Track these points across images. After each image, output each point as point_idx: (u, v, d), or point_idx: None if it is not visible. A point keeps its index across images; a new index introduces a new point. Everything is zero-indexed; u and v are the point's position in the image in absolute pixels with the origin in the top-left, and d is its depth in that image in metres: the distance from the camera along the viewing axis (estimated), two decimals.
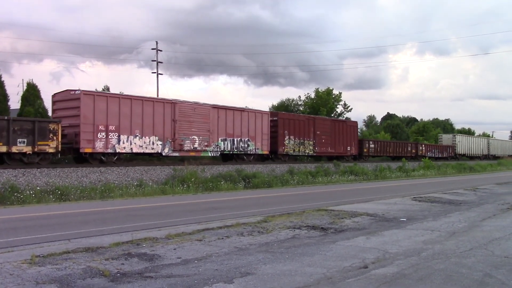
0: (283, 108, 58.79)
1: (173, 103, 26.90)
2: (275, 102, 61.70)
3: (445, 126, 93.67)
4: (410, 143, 56.07)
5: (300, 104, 59.22)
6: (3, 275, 6.98)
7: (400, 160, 47.92)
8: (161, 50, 51.14)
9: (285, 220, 12.82)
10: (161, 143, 26.08)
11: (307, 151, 36.61)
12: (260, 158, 33.63)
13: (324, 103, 56.50)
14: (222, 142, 29.73)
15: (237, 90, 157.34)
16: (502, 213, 15.34)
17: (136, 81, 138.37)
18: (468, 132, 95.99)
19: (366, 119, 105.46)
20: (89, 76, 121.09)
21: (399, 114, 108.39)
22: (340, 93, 60.86)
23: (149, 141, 25.52)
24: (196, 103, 28.57)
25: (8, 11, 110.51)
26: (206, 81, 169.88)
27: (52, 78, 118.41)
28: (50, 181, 20.44)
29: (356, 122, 46.02)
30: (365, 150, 44.71)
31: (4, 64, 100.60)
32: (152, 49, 51.02)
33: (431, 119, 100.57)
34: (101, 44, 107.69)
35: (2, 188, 18.36)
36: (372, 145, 46.65)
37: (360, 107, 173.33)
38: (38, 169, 20.79)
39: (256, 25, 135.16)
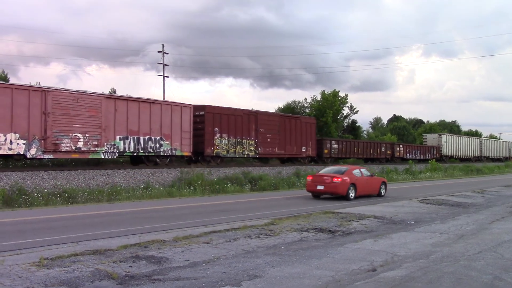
0: (289, 110, 58.60)
1: (44, 91, 21.28)
2: (281, 105, 61.60)
3: (452, 128, 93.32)
4: (385, 143, 50.32)
5: (307, 106, 59.12)
6: (12, 277, 7.00)
7: (373, 163, 44.44)
8: (167, 53, 51.27)
9: (292, 223, 12.79)
10: (24, 142, 20.45)
11: (246, 152, 31.17)
12: (185, 161, 28.98)
13: (330, 105, 56.41)
14: (122, 141, 24.15)
15: (242, 93, 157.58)
16: (511, 215, 15.25)
17: (142, 83, 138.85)
18: (476, 134, 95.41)
19: (372, 121, 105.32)
20: (96, 79, 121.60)
21: (406, 116, 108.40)
22: (346, 95, 60.81)
23: (4, 139, 19.77)
24: (81, 92, 22.85)
25: (15, 14, 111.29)
26: (212, 84, 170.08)
27: (59, 81, 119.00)
28: (58, 183, 20.51)
29: (314, 119, 40.04)
30: (325, 151, 39.48)
31: (11, 67, 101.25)
32: (159, 51, 51.16)
33: (437, 121, 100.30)
34: (107, 46, 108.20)
35: (10, 191, 18.44)
36: (335, 145, 41.18)
37: (366, 109, 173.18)
38: (46, 172, 20.87)
39: (261, 27, 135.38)
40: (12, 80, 32.18)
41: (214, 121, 29.00)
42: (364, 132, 77.27)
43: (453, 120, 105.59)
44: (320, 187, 20.52)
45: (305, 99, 60.87)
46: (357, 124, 67.13)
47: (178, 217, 14.49)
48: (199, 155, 28.61)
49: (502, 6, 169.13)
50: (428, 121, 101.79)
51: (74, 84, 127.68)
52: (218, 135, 29.24)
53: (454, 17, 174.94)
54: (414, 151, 54.04)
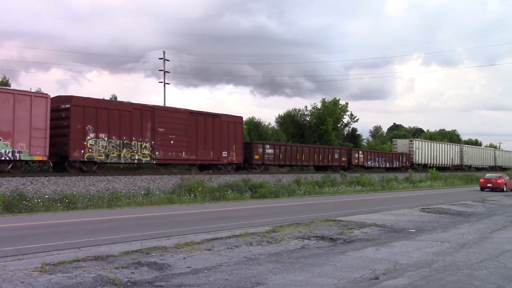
0: (290, 118, 58.60)
1: None
2: (282, 112, 61.67)
3: (452, 137, 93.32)
4: (340, 149, 43.27)
5: (307, 114, 59.17)
6: (14, 283, 6.98)
7: (326, 172, 38.62)
8: (168, 60, 51.37)
9: (294, 230, 12.77)
10: None
11: (137, 157, 24.93)
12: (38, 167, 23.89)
13: (330, 114, 56.48)
14: None
15: (242, 100, 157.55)
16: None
17: (143, 90, 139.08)
18: (475, 143, 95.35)
19: (372, 129, 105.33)
20: (96, 86, 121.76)
21: (405, 124, 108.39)
22: (347, 104, 60.90)
23: None
24: None
25: (16, 20, 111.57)
26: (212, 91, 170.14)
27: (59, 87, 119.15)
28: (58, 189, 20.49)
29: (240, 118, 32.37)
30: (256, 156, 32.58)
31: (12, 72, 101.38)
32: (160, 58, 51.25)
33: (437, 130, 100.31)
34: (108, 53, 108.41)
35: (10, 196, 18.42)
36: (269, 150, 33.84)
37: (366, 117, 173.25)
38: (46, 177, 20.85)
39: (262, 34, 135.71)
40: (13, 86, 32.22)
41: (85, 117, 22.61)
42: (364, 140, 77.21)
43: (453, 129, 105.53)
44: (489, 185, 37.34)
45: (306, 107, 60.91)
46: (357, 133, 67.13)
47: (179, 224, 14.47)
48: (64, 159, 22.60)
49: (502, 16, 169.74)
50: (428, 130, 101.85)
51: (74, 90, 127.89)
52: (92, 135, 22.87)
53: (454, 27, 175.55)
54: (377, 158, 47.16)
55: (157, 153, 25.87)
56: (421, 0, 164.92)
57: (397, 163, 49.98)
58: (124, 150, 24.28)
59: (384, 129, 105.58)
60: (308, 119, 58.63)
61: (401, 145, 54.96)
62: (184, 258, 8.91)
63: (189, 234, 11.97)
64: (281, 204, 22.34)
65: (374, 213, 18.10)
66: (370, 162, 45.59)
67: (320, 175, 36.39)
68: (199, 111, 29.48)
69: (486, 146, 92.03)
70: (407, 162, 51.59)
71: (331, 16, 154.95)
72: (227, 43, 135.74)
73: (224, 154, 29.97)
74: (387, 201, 25.40)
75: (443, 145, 60.96)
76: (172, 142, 26.78)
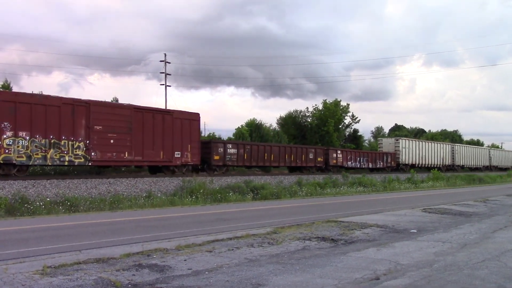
0: (291, 120, 58.58)
1: None
2: (283, 114, 61.72)
3: (454, 137, 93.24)
4: (315, 148, 40.24)
5: (308, 116, 59.21)
6: (16, 285, 7.01)
7: (302, 173, 36.69)
8: (169, 62, 51.46)
9: (295, 232, 12.78)
10: None
11: (67, 158, 22.20)
12: None
13: (332, 115, 56.55)
14: None
15: (243, 102, 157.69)
16: None
17: (144, 93, 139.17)
18: (477, 144, 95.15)
19: (374, 130, 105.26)
20: (98, 89, 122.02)
21: (407, 125, 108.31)
22: (348, 105, 60.97)
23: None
24: None
25: (17, 24, 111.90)
26: (212, 93, 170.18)
27: (61, 90, 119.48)
28: (60, 192, 20.54)
29: (196, 115, 29.26)
30: (216, 157, 29.91)
31: (13, 76, 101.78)
32: (161, 61, 51.39)
33: (439, 130, 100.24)
34: (109, 56, 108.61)
35: (12, 200, 18.48)
36: (232, 150, 30.97)
37: (368, 118, 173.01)
38: (48, 181, 20.90)
39: (263, 36, 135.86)
40: (14, 89, 32.32)
41: (1, 113, 20.15)
42: (366, 141, 77.19)
43: (455, 129, 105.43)
44: None
45: (307, 108, 60.97)
46: (359, 134, 67.15)
47: (181, 226, 14.49)
48: None
49: (503, 16, 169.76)
50: (429, 131, 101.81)
51: (75, 93, 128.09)
52: (9, 133, 20.33)
53: (455, 27, 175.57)
54: (358, 158, 44.37)
55: (93, 153, 23.16)
56: (421, 1, 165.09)
57: (381, 163, 47.48)
58: (52, 150, 21.63)
59: (386, 130, 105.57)
60: (309, 120, 58.75)
61: (386, 144, 52.10)
62: (185, 260, 8.92)
63: (190, 236, 11.98)
64: (283, 206, 22.34)
65: (375, 213, 18.09)
66: (350, 163, 42.93)
67: (322, 176, 36.40)
68: (146, 107, 27.07)
69: (488, 146, 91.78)
70: (393, 162, 49.18)
71: (331, 17, 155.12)
72: (228, 45, 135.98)
73: (177, 154, 27.28)
74: (388, 201, 25.39)
75: (432, 144, 58.23)
76: (112, 141, 24.01)
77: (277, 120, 60.39)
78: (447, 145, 61.27)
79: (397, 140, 51.79)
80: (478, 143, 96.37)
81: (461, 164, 62.03)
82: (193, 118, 28.70)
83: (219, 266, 8.45)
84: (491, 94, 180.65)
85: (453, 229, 13.96)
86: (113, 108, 25.42)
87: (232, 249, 10.10)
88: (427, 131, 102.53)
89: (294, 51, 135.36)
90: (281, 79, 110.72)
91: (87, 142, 23.02)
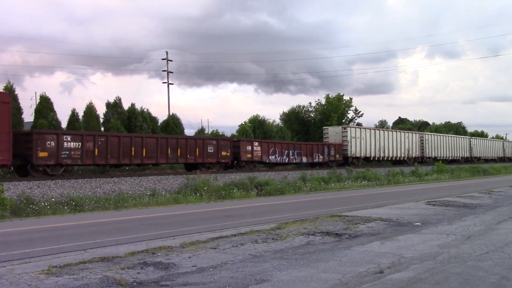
0: (294, 115, 58.52)
1: None
2: (286, 109, 61.66)
3: (458, 130, 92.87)
4: (217, 140, 31.16)
5: (311, 111, 59.13)
6: (22, 286, 7.06)
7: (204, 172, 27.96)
8: (171, 60, 51.47)
9: (299, 227, 12.80)
10: None
11: None
12: None
13: (335, 109, 56.45)
14: None
15: (246, 98, 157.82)
16: None
17: (147, 91, 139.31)
18: (481, 135, 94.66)
19: (377, 124, 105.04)
20: (100, 88, 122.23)
21: (411, 118, 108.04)
22: (351, 99, 60.83)
23: None
24: None
25: (18, 25, 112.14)
26: (215, 90, 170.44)
27: (64, 89, 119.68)
28: (65, 192, 20.62)
29: (7, 96, 21.81)
30: (42, 154, 21.79)
31: (16, 77, 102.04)
32: (163, 59, 51.40)
33: (443, 123, 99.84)
34: (110, 55, 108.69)
35: (17, 201, 18.57)
36: (72, 144, 22.97)
37: (371, 112, 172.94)
38: (53, 181, 21.00)
39: (264, 31, 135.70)
40: (17, 91, 32.30)
41: None
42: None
43: (459, 121, 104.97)
44: None
45: (310, 103, 60.85)
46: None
47: (185, 223, 14.54)
48: None
49: (505, 6, 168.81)
50: (433, 123, 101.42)
51: (78, 93, 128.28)
52: None
53: (457, 18, 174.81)
54: (286, 152, 35.91)
55: None
56: None
57: (320, 157, 39.07)
58: None
59: (390, 123, 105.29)
60: (312, 115, 58.66)
61: (333, 134, 43.21)
62: (189, 257, 8.97)
63: (194, 233, 12.02)
64: (287, 201, 22.36)
65: (379, 207, 18.09)
66: (273, 157, 34.71)
67: (325, 171, 36.42)
68: None
69: (492, 137, 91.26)
70: (338, 155, 40.94)
71: (332, 11, 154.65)
72: (229, 41, 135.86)
73: None
74: (393, 195, 25.36)
75: (394, 133, 49.51)
76: None
77: (280, 116, 60.38)
78: (415, 134, 53.51)
79: (344, 128, 43.19)
80: (482, 135, 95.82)
81: (434, 155, 55.14)
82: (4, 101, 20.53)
83: (223, 263, 8.49)
84: (494, 85, 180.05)
85: (457, 221, 13.95)
86: None
87: (237, 246, 10.14)
88: (431, 123, 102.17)
89: (295, 46, 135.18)
90: (284, 75, 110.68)
91: None
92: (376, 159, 46.19)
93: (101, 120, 37.23)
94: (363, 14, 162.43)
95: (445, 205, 18.38)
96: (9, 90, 31.77)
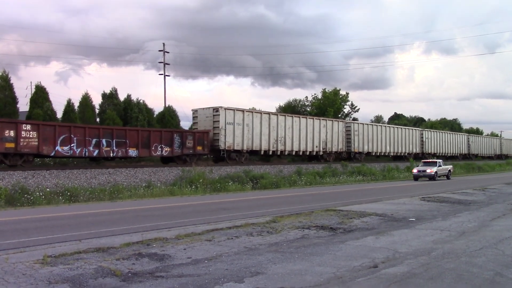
0: (291, 109, 58.53)
1: None
2: (282, 103, 61.61)
3: (453, 126, 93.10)
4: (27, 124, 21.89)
5: (308, 105, 59.11)
6: (16, 275, 7.05)
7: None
8: (167, 52, 51.24)
9: (294, 220, 12.83)
10: None
11: None
12: None
13: (331, 104, 56.45)
14: None
15: (242, 91, 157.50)
16: None
17: (142, 82, 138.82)
18: (477, 132, 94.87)
19: (373, 119, 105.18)
20: (96, 78, 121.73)
21: (406, 114, 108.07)
22: (347, 94, 60.82)
23: None
24: None
25: (14, 14, 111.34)
26: (211, 83, 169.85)
27: (59, 79, 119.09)
28: (60, 182, 20.57)
29: None
30: None
31: (11, 66, 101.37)
32: (160, 50, 51.16)
33: (438, 119, 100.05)
34: (107, 45, 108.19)
35: (12, 190, 18.51)
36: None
37: (367, 107, 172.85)
38: (48, 171, 20.93)
39: (261, 24, 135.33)
40: (13, 79, 31.93)
41: None
42: None
43: (454, 118, 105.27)
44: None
45: (306, 97, 60.84)
46: None
47: (180, 216, 14.54)
48: None
49: (502, 3, 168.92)
50: (429, 119, 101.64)
51: (74, 83, 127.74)
52: None
53: (454, 15, 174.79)
54: (92, 140, 23.87)
55: None
56: None
57: (166, 148, 27.51)
58: None
59: (385, 119, 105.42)
60: (308, 109, 58.62)
61: (202, 118, 31.88)
62: (184, 249, 8.97)
63: (189, 226, 12.03)
64: (282, 195, 22.39)
65: (374, 202, 18.14)
66: (65, 148, 22.86)
67: (321, 166, 36.46)
68: None
69: (488, 135, 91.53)
70: (202, 148, 29.87)
71: (330, 5, 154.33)
72: (226, 33, 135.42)
73: None
74: (387, 190, 25.44)
75: (292, 118, 36.75)
76: None
77: (276, 109, 60.33)
78: (339, 123, 41.52)
79: (216, 110, 31.06)
80: (477, 132, 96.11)
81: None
82: None
83: (218, 255, 8.50)
84: (490, 82, 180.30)
85: (452, 217, 14.01)
86: None
87: (232, 238, 10.16)
88: (426, 119, 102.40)
89: (293, 39, 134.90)
90: (280, 68, 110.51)
91: None
92: (269, 153, 34.39)
93: (97, 111, 37.07)
94: (360, 9, 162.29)
95: (440, 201, 18.45)
96: (4, 79, 31.59)
